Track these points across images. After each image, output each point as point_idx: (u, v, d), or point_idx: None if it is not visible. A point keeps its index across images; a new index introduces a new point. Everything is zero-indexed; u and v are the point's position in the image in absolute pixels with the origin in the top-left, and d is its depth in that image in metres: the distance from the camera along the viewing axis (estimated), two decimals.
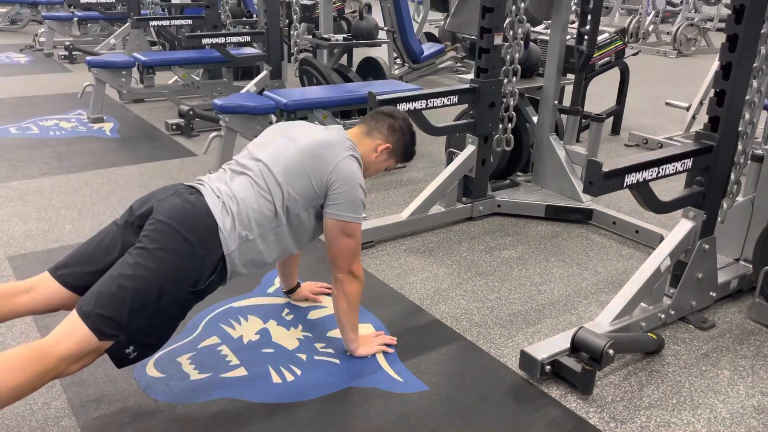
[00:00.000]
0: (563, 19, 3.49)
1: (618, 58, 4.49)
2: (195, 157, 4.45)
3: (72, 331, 1.74)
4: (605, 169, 2.03)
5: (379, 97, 3.00)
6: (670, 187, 2.99)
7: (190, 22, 6.13)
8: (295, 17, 5.42)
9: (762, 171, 2.72)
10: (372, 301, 2.64)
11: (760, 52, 2.34)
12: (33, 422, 1.92)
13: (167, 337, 1.92)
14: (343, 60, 6.08)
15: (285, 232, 2.07)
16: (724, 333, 2.52)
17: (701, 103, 4.93)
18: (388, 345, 2.34)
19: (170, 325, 1.91)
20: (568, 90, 3.89)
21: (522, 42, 3.26)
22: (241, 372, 2.19)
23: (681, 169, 2.26)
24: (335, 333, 2.37)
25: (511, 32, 3.23)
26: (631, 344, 2.32)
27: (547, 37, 3.70)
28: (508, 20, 3.21)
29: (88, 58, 5.41)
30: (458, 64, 7.00)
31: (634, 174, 2.11)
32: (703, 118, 2.43)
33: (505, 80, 3.33)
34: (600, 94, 5.80)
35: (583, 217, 3.50)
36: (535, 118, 3.76)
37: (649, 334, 2.38)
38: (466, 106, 3.55)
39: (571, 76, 3.74)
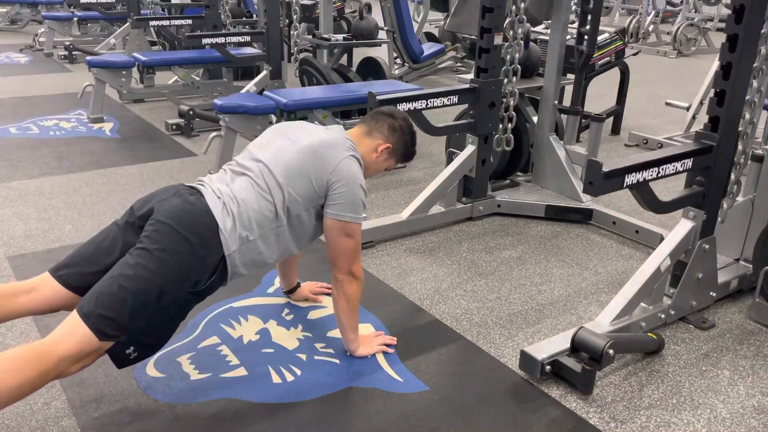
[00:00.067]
0: (563, 19, 3.50)
1: (618, 58, 4.50)
2: (195, 157, 4.45)
3: (72, 331, 1.74)
4: (605, 169, 2.03)
5: (379, 97, 3.00)
6: (670, 187, 2.99)
7: (190, 22, 6.13)
8: (295, 17, 5.41)
9: (762, 171, 2.72)
10: (372, 301, 2.64)
11: (760, 52, 2.34)
12: (33, 422, 1.92)
13: (168, 337, 1.92)
14: (343, 60, 6.08)
15: (286, 232, 2.07)
16: (724, 333, 2.52)
17: (701, 103, 4.93)
18: (388, 345, 2.34)
19: (171, 325, 1.91)
20: (568, 90, 3.89)
21: (522, 42, 3.26)
22: (241, 372, 2.19)
23: (681, 169, 2.26)
24: (335, 333, 2.37)
25: (511, 32, 3.23)
26: (631, 344, 2.32)
27: (547, 37, 3.70)
28: (508, 20, 3.21)
29: (88, 58, 5.41)
30: (458, 64, 7.00)
31: (634, 174, 2.11)
32: (703, 118, 2.43)
33: (505, 80, 3.33)
34: (600, 94, 5.80)
35: (583, 217, 3.50)
36: (535, 118, 3.76)
37: (649, 334, 2.38)
38: (466, 106, 3.55)
39: (571, 76, 3.74)
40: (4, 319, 1.96)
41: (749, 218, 2.79)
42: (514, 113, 3.42)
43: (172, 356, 2.24)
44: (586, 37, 3.53)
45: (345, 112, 4.66)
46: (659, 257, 2.40)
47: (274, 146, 2.14)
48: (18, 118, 5.27)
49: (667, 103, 5.38)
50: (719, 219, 2.50)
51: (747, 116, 2.41)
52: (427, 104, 3.14)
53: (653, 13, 10.47)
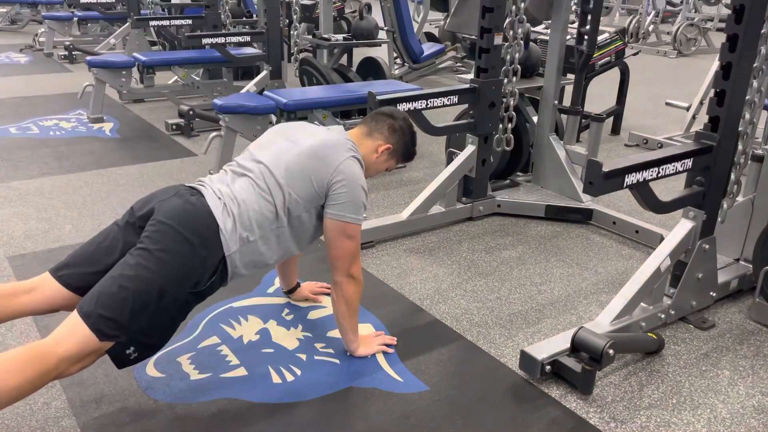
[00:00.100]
0: (563, 19, 3.49)
1: (618, 58, 4.49)
2: (195, 157, 4.45)
3: (73, 331, 1.74)
4: (605, 169, 2.03)
5: (379, 97, 3.00)
6: (670, 187, 2.99)
7: (190, 22, 6.13)
8: (295, 17, 5.41)
9: (762, 171, 2.72)
10: (372, 301, 2.64)
11: (760, 52, 2.34)
12: (33, 422, 1.92)
13: (168, 337, 1.92)
14: (343, 60, 6.08)
15: (286, 233, 2.08)
16: (724, 333, 2.52)
17: (701, 103, 4.93)
18: (388, 345, 2.34)
19: (171, 325, 1.91)
20: (568, 90, 3.89)
21: (522, 42, 3.26)
22: (241, 372, 2.19)
23: (681, 169, 2.26)
24: (335, 333, 2.37)
25: (511, 32, 3.23)
26: (631, 344, 2.32)
27: (547, 37, 3.70)
28: (508, 20, 3.21)
29: (88, 58, 5.41)
30: (458, 64, 7.00)
31: (634, 174, 2.11)
32: (703, 118, 2.43)
33: (505, 80, 3.33)
34: (600, 94, 5.80)
35: (583, 217, 3.50)
36: (535, 118, 3.76)
37: (649, 334, 2.38)
38: (466, 106, 3.55)
39: (571, 76, 3.74)
40: (4, 319, 1.96)
41: (749, 218, 2.79)
42: (514, 113, 3.42)
43: (172, 356, 2.24)
44: (586, 37, 3.53)
45: (345, 112, 4.66)
46: (659, 257, 2.40)
47: (274, 147, 2.14)
48: (18, 118, 5.27)
49: (667, 103, 5.38)
50: (719, 219, 2.50)
51: (747, 116, 2.41)
52: (427, 104, 3.14)
53: (653, 13, 10.47)
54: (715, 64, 3.66)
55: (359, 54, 6.49)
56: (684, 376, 2.25)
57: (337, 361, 2.27)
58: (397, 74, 6.43)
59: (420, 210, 3.28)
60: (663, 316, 2.50)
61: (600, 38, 4.09)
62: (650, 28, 10.32)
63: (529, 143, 3.79)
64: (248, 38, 5.30)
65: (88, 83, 5.31)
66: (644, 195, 2.23)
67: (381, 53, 6.54)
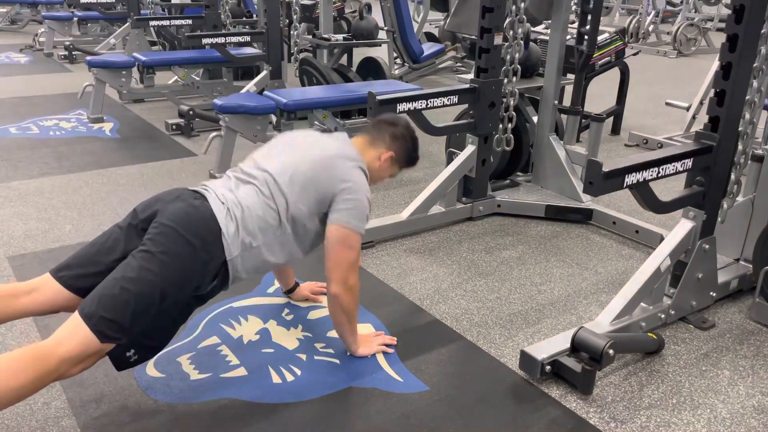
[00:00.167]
0: (563, 19, 3.49)
1: (618, 58, 4.49)
2: (195, 157, 4.45)
3: (74, 333, 1.74)
4: (605, 169, 2.03)
5: (379, 97, 3.00)
6: (670, 187, 2.99)
7: (190, 22, 6.12)
8: (295, 17, 5.41)
9: (762, 171, 2.72)
10: (372, 301, 2.64)
11: (760, 52, 2.34)
12: (33, 422, 1.92)
13: (168, 340, 1.93)
14: (343, 60, 6.08)
15: (290, 240, 2.09)
16: (724, 333, 2.52)
17: (701, 103, 4.93)
18: (388, 345, 2.34)
19: (172, 328, 1.92)
20: (568, 90, 3.89)
21: (522, 42, 3.26)
22: (241, 372, 2.19)
23: (681, 169, 2.26)
24: (335, 333, 2.37)
25: (511, 32, 3.23)
26: (631, 344, 2.32)
27: (547, 37, 3.70)
28: (508, 20, 3.21)
29: (88, 58, 5.41)
30: (458, 64, 7.00)
31: (634, 174, 2.11)
32: (703, 118, 2.43)
33: (505, 80, 3.33)
34: (600, 94, 5.80)
35: (583, 217, 3.50)
36: (535, 118, 3.76)
37: (649, 334, 2.38)
38: (466, 106, 3.55)
39: (571, 76, 3.74)
40: (4, 319, 1.96)
41: (749, 218, 2.79)
42: (514, 113, 3.42)
43: (172, 356, 2.24)
44: (586, 37, 3.53)
45: (345, 112, 4.65)
46: (659, 257, 2.40)
47: (280, 157, 2.15)
48: (18, 118, 5.27)
49: (667, 103, 5.38)
50: (719, 219, 2.50)
51: (747, 116, 2.41)
52: (427, 104, 3.14)
53: (653, 13, 10.47)
54: (715, 64, 3.66)
55: (359, 54, 6.49)
56: (684, 376, 2.25)
57: (337, 361, 2.27)
58: (397, 74, 6.43)
59: (420, 210, 3.28)
60: (663, 316, 2.50)
61: (600, 38, 4.09)
62: (650, 28, 10.32)
63: (529, 143, 3.79)
64: (248, 38, 5.30)
65: (88, 83, 5.31)
66: (644, 195, 2.23)
67: (381, 53, 6.54)
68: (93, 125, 5.12)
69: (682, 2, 10.58)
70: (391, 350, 2.33)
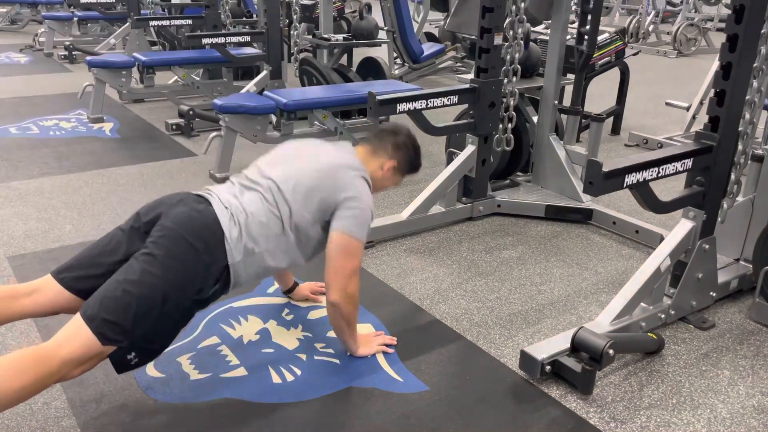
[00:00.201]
0: (563, 19, 3.49)
1: (618, 58, 4.49)
2: (195, 157, 4.45)
3: (75, 334, 1.75)
4: (605, 169, 2.02)
5: (379, 97, 3.00)
6: (670, 187, 2.99)
7: (190, 22, 6.12)
8: (295, 17, 5.41)
9: (762, 171, 2.72)
10: (372, 301, 2.64)
11: (760, 52, 2.34)
12: (33, 422, 1.93)
13: (168, 343, 1.94)
14: (343, 60, 6.08)
15: (293, 247, 2.11)
16: (724, 333, 2.52)
17: (701, 103, 4.93)
18: (388, 345, 2.34)
19: (173, 331, 1.93)
20: (568, 90, 3.89)
21: (522, 42, 3.26)
22: (241, 372, 2.19)
23: (681, 169, 2.26)
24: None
25: (511, 32, 3.23)
26: (631, 344, 2.32)
27: (547, 37, 3.70)
28: (508, 20, 3.21)
29: (88, 58, 5.41)
30: (458, 64, 7.00)
31: (634, 174, 2.11)
32: (703, 118, 2.43)
33: (505, 80, 3.33)
34: (600, 94, 5.80)
35: (583, 217, 3.50)
36: (535, 118, 3.76)
37: (649, 334, 2.38)
38: (466, 106, 3.55)
39: (571, 76, 3.74)
40: (4, 321, 1.96)
41: (749, 218, 2.79)
42: (514, 113, 3.42)
43: (172, 356, 2.24)
44: (586, 37, 3.53)
45: (345, 112, 4.66)
46: (659, 257, 2.40)
47: (283, 165, 2.17)
48: (18, 118, 5.27)
49: (667, 103, 5.38)
50: (719, 219, 2.50)
51: (747, 116, 2.41)
52: (427, 104, 3.14)
53: (653, 13, 10.47)
54: (715, 64, 3.66)
55: (359, 54, 6.49)
56: (684, 376, 2.25)
57: (337, 361, 2.27)
58: (397, 74, 6.43)
59: (420, 210, 3.28)
60: (663, 316, 2.49)
61: (600, 38, 4.09)
62: (650, 28, 10.32)
63: (529, 143, 3.79)
64: (248, 38, 5.30)
65: (88, 83, 5.31)
66: (644, 195, 2.23)
67: (381, 53, 6.54)
68: (93, 125, 5.13)
69: (682, 2, 10.58)
70: (391, 350, 2.33)
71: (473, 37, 5.12)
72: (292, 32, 5.57)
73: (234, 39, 5.18)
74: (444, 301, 2.69)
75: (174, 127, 4.98)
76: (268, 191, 2.08)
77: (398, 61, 6.83)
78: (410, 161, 2.39)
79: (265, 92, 4.06)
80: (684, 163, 2.26)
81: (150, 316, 1.81)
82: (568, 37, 3.57)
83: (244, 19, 7.02)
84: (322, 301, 2.63)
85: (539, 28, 4.80)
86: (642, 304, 2.46)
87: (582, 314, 2.62)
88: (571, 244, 3.26)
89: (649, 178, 2.16)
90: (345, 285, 2.10)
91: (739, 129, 2.40)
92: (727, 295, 2.74)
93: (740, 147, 2.44)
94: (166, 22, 6.43)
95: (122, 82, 5.36)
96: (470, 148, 3.39)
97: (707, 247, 2.48)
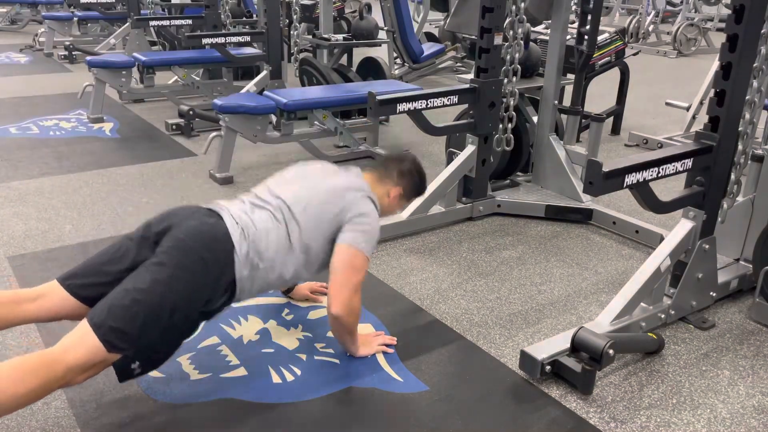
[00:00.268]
0: (563, 19, 3.49)
1: (618, 58, 4.49)
2: (195, 157, 4.45)
3: (81, 341, 1.75)
4: (605, 169, 2.03)
5: (379, 97, 3.00)
6: (670, 187, 2.99)
7: (190, 22, 6.12)
8: (295, 17, 5.41)
9: (762, 171, 2.72)
10: (372, 301, 2.64)
11: (760, 52, 2.34)
12: (33, 422, 1.93)
13: (171, 354, 1.95)
14: (343, 60, 6.08)
15: (300, 264, 2.13)
16: (724, 333, 2.52)
17: (701, 103, 4.93)
18: (388, 345, 2.34)
19: (178, 341, 1.95)
20: (568, 90, 3.89)
21: (522, 42, 3.26)
22: (241, 372, 2.19)
23: (681, 169, 2.26)
24: None
25: (511, 32, 3.23)
26: (631, 344, 2.32)
27: (547, 37, 3.70)
28: (508, 20, 3.21)
29: (88, 58, 5.41)
30: (458, 64, 7.00)
31: (634, 174, 2.11)
32: (703, 118, 2.43)
33: (505, 80, 3.33)
34: (600, 94, 5.80)
35: (583, 217, 3.50)
36: (535, 118, 3.76)
37: (649, 334, 2.38)
38: (466, 106, 3.55)
39: (571, 76, 3.73)
40: (8, 325, 1.98)
41: (749, 218, 2.79)
42: (514, 113, 3.42)
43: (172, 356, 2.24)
44: (586, 37, 3.53)
45: (345, 112, 4.66)
46: (659, 257, 2.40)
47: (293, 186, 2.21)
48: (18, 118, 5.27)
49: (667, 103, 5.38)
50: (719, 219, 2.50)
51: (747, 116, 2.41)
52: (427, 104, 3.14)
53: (653, 13, 10.47)
54: (715, 64, 3.66)
55: (359, 54, 6.48)
56: (684, 376, 2.25)
57: (337, 361, 2.27)
58: (397, 74, 6.43)
59: (420, 210, 3.28)
60: (663, 316, 2.49)
61: (600, 38, 4.09)
62: (650, 28, 10.32)
63: (529, 143, 3.79)
64: (248, 38, 5.30)
65: (88, 83, 5.31)
66: (644, 195, 2.23)
67: (381, 53, 6.54)
68: (93, 125, 5.12)
69: (682, 2, 10.58)
70: (391, 350, 2.33)
71: (473, 37, 5.12)
72: (292, 32, 5.57)
73: (234, 39, 5.18)
74: (444, 301, 2.69)
75: (174, 127, 4.98)
76: (278, 210, 2.11)
77: (398, 61, 6.83)
78: (415, 188, 2.46)
79: (265, 92, 4.06)
80: (684, 163, 2.26)
81: (157, 325, 1.82)
82: (568, 37, 3.57)
83: (244, 19, 7.02)
84: (322, 301, 2.63)
85: (539, 28, 4.80)
86: (642, 304, 2.46)
87: (582, 314, 2.62)
88: (571, 244, 3.26)
89: (649, 178, 2.16)
90: (349, 299, 2.11)
91: (739, 129, 2.40)
92: (727, 295, 2.74)
93: (740, 147, 2.44)
94: (166, 22, 6.43)
95: (122, 82, 5.36)
96: (470, 148, 3.39)
97: (707, 247, 2.48)
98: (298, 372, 2.20)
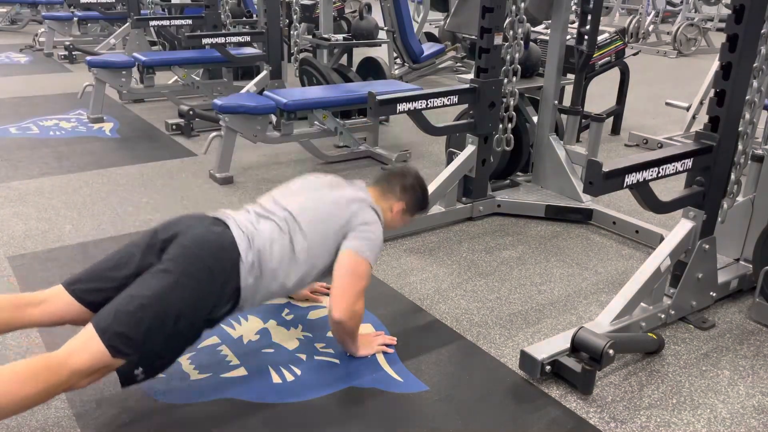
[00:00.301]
0: (563, 19, 3.49)
1: (618, 58, 4.49)
2: (195, 157, 4.45)
3: (86, 345, 1.75)
4: (605, 169, 2.03)
5: (379, 97, 3.00)
6: (670, 187, 2.99)
7: (190, 22, 6.13)
8: (295, 17, 5.41)
9: (762, 171, 2.72)
10: (372, 301, 2.63)
11: (760, 52, 2.34)
12: (33, 422, 1.93)
13: (174, 360, 1.96)
14: (343, 60, 6.08)
15: (303, 275, 2.14)
16: (724, 333, 2.52)
17: (701, 103, 4.93)
18: (388, 345, 2.34)
19: (182, 348, 1.95)
20: (568, 90, 3.89)
21: (522, 42, 3.26)
22: (241, 372, 2.19)
23: (681, 169, 2.26)
24: None
25: (511, 32, 3.23)
26: (631, 344, 2.32)
27: (547, 37, 3.70)
28: (508, 20, 3.21)
29: (88, 58, 5.41)
30: (458, 64, 7.00)
31: (634, 174, 2.11)
32: (703, 118, 2.43)
33: (505, 80, 3.33)
34: (600, 94, 5.80)
35: (583, 217, 3.50)
36: (535, 118, 3.76)
37: (649, 334, 2.38)
38: (466, 106, 3.55)
39: (571, 76, 3.73)
40: (9, 329, 1.99)
41: (749, 218, 2.79)
42: (514, 113, 3.42)
43: None
44: (586, 37, 3.53)
45: (345, 112, 4.66)
46: (659, 257, 2.40)
47: (298, 197, 2.22)
48: (18, 118, 5.27)
49: (667, 103, 5.38)
50: (719, 219, 2.50)
51: (747, 116, 2.41)
52: (427, 104, 3.14)
53: (653, 13, 10.47)
54: (715, 64, 3.66)
55: (359, 54, 6.48)
56: (684, 376, 2.25)
57: (337, 361, 2.27)
58: (397, 74, 6.43)
59: None
60: (663, 316, 2.49)
61: (600, 38, 4.09)
62: (650, 28, 10.32)
63: (529, 143, 3.79)
64: (248, 38, 5.30)
65: (88, 83, 5.31)
66: (644, 195, 2.23)
67: (381, 53, 6.53)
68: (93, 125, 5.12)
69: (682, 2, 10.58)
70: (391, 350, 2.33)
71: (473, 37, 5.12)
72: (292, 32, 5.57)
73: (234, 39, 5.18)
74: (444, 301, 2.69)
75: (174, 127, 4.98)
76: (284, 221, 2.12)
77: (398, 61, 6.83)
78: (418, 203, 2.48)
79: (265, 92, 4.06)
80: (684, 163, 2.26)
81: (162, 332, 1.82)
82: (568, 37, 3.57)
83: (244, 19, 7.02)
84: (322, 301, 2.63)
85: (539, 28, 4.80)
86: (642, 304, 2.46)
87: (582, 314, 2.62)
88: (571, 244, 3.26)
89: (649, 178, 2.16)
90: (352, 305, 2.11)
91: (739, 129, 2.40)
92: (727, 295, 2.74)
93: (740, 147, 2.44)
94: (166, 22, 6.43)
95: (122, 82, 5.36)
96: (470, 148, 3.39)
97: (707, 247, 2.48)
98: (298, 372, 2.20)
